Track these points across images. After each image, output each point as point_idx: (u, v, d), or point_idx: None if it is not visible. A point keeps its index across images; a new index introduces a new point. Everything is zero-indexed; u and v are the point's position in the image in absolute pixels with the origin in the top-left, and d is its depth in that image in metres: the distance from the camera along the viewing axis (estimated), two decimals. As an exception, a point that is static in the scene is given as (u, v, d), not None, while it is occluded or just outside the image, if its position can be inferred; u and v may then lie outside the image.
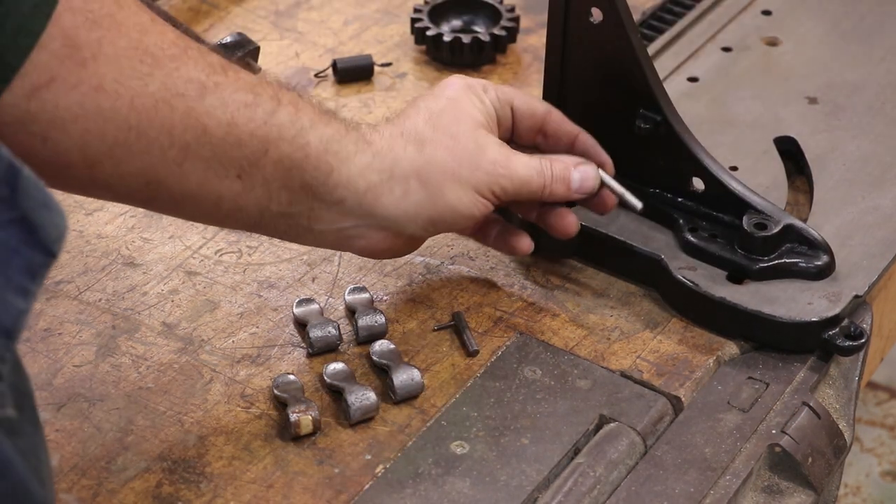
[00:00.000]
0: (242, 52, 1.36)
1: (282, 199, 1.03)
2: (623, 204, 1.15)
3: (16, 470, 0.74)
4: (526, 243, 1.15)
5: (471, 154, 1.08)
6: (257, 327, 1.14)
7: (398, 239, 1.10)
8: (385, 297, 1.17)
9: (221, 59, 1.01)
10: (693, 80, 1.35)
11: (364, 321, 1.12)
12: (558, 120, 1.14)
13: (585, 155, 1.14)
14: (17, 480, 0.74)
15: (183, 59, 0.98)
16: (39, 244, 0.74)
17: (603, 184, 1.13)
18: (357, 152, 1.05)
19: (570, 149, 1.14)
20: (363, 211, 1.06)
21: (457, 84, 1.12)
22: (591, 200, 1.15)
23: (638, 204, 1.14)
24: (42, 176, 0.98)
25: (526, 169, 1.09)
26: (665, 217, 1.18)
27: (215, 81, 0.99)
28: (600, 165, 1.14)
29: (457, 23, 1.46)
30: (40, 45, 0.91)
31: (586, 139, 1.14)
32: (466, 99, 1.10)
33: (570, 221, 1.14)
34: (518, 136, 1.14)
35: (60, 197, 1.23)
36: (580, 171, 1.12)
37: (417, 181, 1.07)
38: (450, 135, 1.08)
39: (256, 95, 1.01)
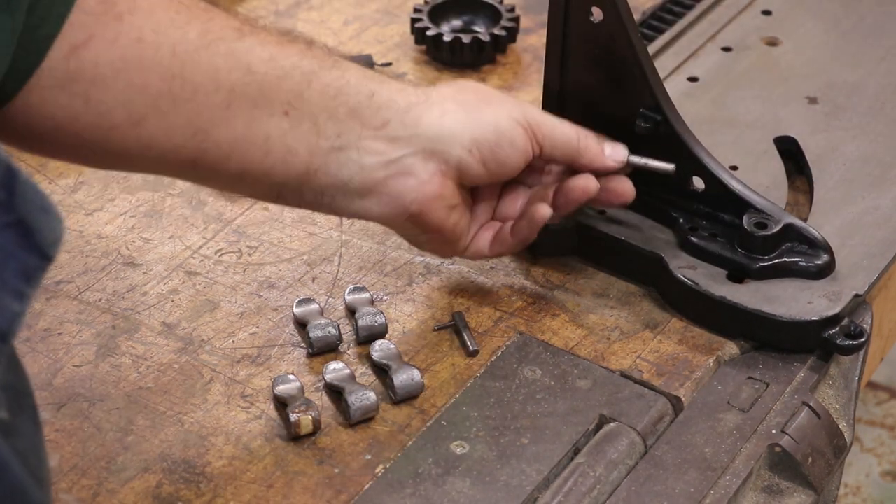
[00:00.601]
0: (242, 52, 1.36)
1: (329, 132, 1.03)
2: (654, 173, 1.15)
3: (12, 472, 0.74)
4: (545, 210, 1.11)
5: (500, 96, 1.10)
6: (257, 327, 1.14)
7: (446, 179, 1.07)
8: (385, 297, 1.17)
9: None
10: (693, 80, 1.35)
11: (364, 321, 1.12)
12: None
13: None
14: (14, 483, 0.74)
15: (214, 11, 1.00)
16: (36, 248, 0.74)
17: (630, 162, 1.14)
18: (392, 80, 1.07)
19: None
20: (408, 132, 1.05)
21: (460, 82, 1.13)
22: (609, 191, 1.13)
23: (669, 166, 1.14)
24: (86, 146, 0.97)
25: (562, 123, 1.10)
26: (665, 216, 1.18)
27: (250, 27, 1.01)
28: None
29: (457, 23, 1.46)
30: (76, 6, 0.92)
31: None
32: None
33: (591, 185, 1.11)
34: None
35: (60, 197, 1.24)
36: (610, 145, 1.12)
37: (454, 103, 1.07)
38: (478, 92, 1.10)
39: (290, 39, 1.03)
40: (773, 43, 1.41)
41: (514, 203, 1.13)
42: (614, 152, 1.12)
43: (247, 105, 1.00)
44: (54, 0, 0.91)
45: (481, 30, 1.44)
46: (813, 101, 1.34)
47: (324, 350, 1.11)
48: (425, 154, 1.06)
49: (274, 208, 1.24)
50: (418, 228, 1.09)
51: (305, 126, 1.02)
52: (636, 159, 1.14)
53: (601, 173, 1.12)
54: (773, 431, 1.07)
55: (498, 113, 1.08)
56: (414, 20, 1.43)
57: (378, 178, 1.05)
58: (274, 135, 1.01)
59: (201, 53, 0.97)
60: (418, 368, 1.08)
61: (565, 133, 1.10)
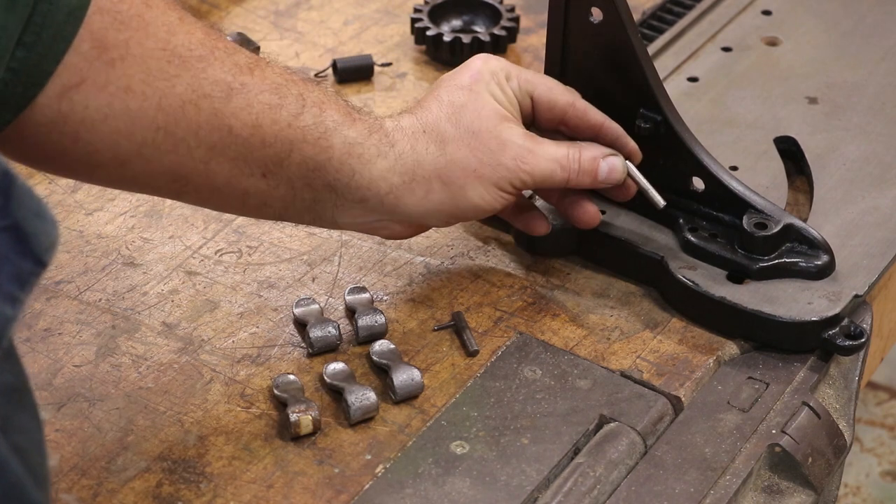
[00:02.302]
0: (242, 52, 1.36)
1: (305, 197, 1.06)
2: (645, 198, 1.15)
3: (10, 470, 0.74)
4: (543, 225, 1.16)
5: (493, 152, 1.08)
6: (257, 327, 1.14)
7: (421, 228, 1.13)
8: (385, 297, 1.17)
9: (248, 58, 1.03)
10: (693, 80, 1.35)
11: (364, 321, 1.12)
12: (581, 111, 1.13)
13: (611, 145, 1.13)
14: (12, 481, 0.74)
15: (210, 59, 1.00)
16: (30, 253, 0.74)
17: (629, 175, 1.14)
18: (379, 155, 1.06)
19: (596, 139, 1.14)
20: (385, 210, 1.08)
21: (479, 68, 1.11)
22: (613, 189, 1.15)
23: (661, 202, 1.14)
24: (75, 174, 1.02)
25: (549, 163, 1.09)
26: (665, 216, 1.18)
27: (241, 82, 1.01)
28: (628, 155, 1.14)
29: (457, 23, 1.46)
30: (71, 47, 0.93)
31: (611, 129, 1.14)
32: (487, 91, 1.10)
33: (592, 213, 1.15)
34: (539, 124, 1.14)
35: (60, 197, 1.24)
36: (608, 163, 1.12)
37: (439, 181, 1.08)
38: (472, 132, 1.08)
39: (282, 97, 1.03)
40: (773, 43, 1.41)
41: None
42: (610, 175, 1.12)
43: (226, 164, 1.02)
44: (55, 38, 0.93)
45: (481, 30, 1.44)
46: (813, 101, 1.34)
47: (324, 350, 1.11)
48: (400, 221, 1.10)
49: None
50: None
51: (282, 189, 1.05)
52: (635, 175, 1.14)
53: None
54: (773, 431, 1.07)
55: (484, 187, 1.08)
56: (414, 20, 1.43)
57: (352, 228, 1.11)
58: (252, 192, 1.04)
59: (186, 109, 0.99)
60: (418, 368, 1.08)
61: (554, 181, 1.11)
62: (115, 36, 0.95)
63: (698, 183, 1.17)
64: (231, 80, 1.00)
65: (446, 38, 1.41)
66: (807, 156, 1.27)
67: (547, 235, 1.17)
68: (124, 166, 0.99)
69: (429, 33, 1.42)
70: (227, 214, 1.23)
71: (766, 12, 1.45)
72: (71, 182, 1.26)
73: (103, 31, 0.95)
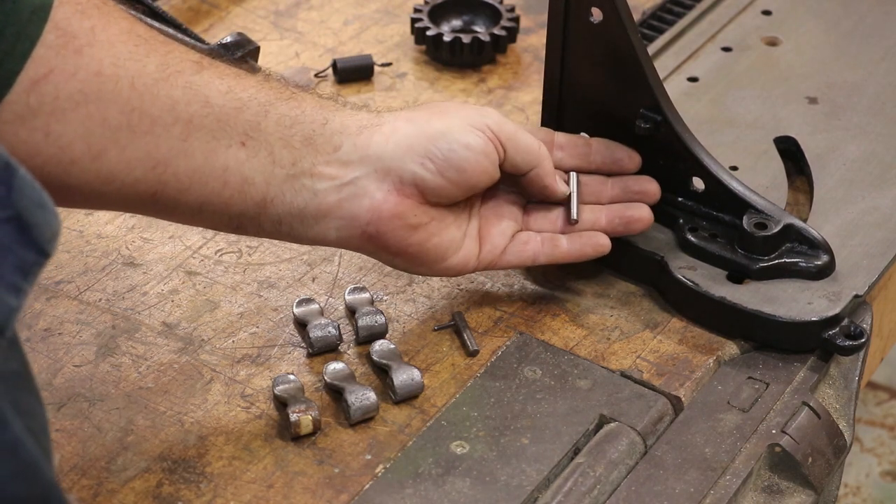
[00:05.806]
0: (242, 52, 1.36)
1: (284, 160, 1.04)
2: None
3: (26, 449, 0.74)
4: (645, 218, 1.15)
5: (460, 106, 1.11)
6: (257, 327, 1.14)
7: (404, 197, 1.06)
8: (385, 297, 1.17)
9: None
10: (693, 80, 1.35)
11: (364, 321, 1.12)
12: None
13: (604, 155, 1.16)
14: (28, 460, 0.74)
15: (172, 45, 1.02)
16: (33, 243, 0.74)
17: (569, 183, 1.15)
18: (347, 106, 1.09)
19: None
20: (359, 154, 1.06)
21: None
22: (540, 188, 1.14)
23: (574, 215, 1.14)
24: (47, 177, 0.99)
25: (519, 126, 1.10)
26: (665, 216, 1.18)
27: (209, 60, 1.03)
28: (622, 159, 1.16)
29: (457, 23, 1.46)
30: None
31: (600, 147, 1.16)
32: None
33: (646, 217, 1.15)
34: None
35: (60, 197, 1.23)
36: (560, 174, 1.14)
37: (405, 121, 1.08)
38: (433, 105, 1.11)
39: (249, 73, 1.05)
40: (773, 43, 1.41)
41: (544, 220, 1.15)
42: (561, 183, 1.13)
43: (205, 136, 1.01)
44: (18, 36, 0.92)
45: (481, 30, 1.44)
46: (813, 101, 1.34)
47: (324, 350, 1.11)
48: (378, 174, 1.06)
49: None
50: (382, 251, 1.09)
51: (262, 155, 1.03)
52: (573, 192, 1.15)
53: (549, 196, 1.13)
54: (773, 431, 1.07)
55: (450, 122, 1.07)
56: (414, 20, 1.44)
57: (332, 203, 1.06)
58: (232, 165, 1.02)
59: (160, 86, 0.98)
60: (418, 368, 1.08)
61: (528, 137, 1.10)
62: (79, 24, 0.95)
63: (698, 183, 1.17)
64: (198, 58, 1.02)
65: (446, 38, 1.41)
66: (807, 156, 1.27)
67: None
68: (99, 158, 0.97)
69: (429, 33, 1.42)
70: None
71: (766, 12, 1.45)
72: (71, 182, 1.26)
73: (67, 21, 0.95)
